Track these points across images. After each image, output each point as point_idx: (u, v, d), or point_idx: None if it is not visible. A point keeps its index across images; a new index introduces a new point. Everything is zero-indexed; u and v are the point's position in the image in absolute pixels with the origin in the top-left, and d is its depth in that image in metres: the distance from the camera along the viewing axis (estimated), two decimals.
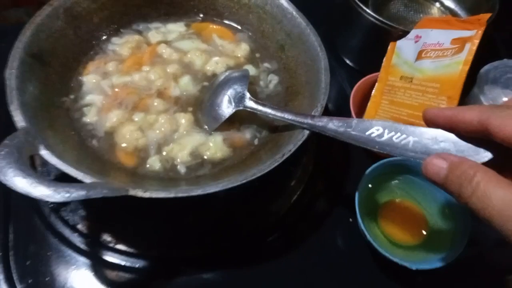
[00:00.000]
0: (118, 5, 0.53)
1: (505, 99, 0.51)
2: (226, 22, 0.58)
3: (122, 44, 0.53)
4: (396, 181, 0.50)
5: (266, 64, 0.55)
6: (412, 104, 0.49)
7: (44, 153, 0.37)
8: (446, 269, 0.42)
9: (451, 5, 0.68)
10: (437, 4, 0.68)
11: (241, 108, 0.46)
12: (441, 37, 0.49)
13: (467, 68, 0.45)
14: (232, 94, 0.47)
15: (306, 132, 0.42)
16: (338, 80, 0.64)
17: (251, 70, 0.53)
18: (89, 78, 0.50)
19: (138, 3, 0.55)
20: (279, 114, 0.43)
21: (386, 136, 0.37)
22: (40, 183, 0.32)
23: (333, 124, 0.40)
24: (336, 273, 0.48)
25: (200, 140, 0.47)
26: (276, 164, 0.40)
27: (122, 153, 0.45)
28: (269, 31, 0.55)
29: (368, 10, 0.56)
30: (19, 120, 0.38)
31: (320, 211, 0.52)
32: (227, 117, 0.46)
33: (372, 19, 0.56)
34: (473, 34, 0.46)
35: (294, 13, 0.52)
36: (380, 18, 0.55)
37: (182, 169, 0.45)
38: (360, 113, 0.55)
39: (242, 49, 0.55)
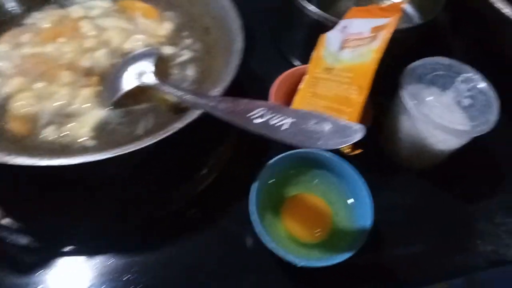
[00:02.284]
0: None
1: (429, 98, 0.48)
2: (159, 2, 0.57)
3: (43, 18, 0.52)
4: (303, 174, 0.48)
5: (189, 45, 0.53)
6: (328, 96, 0.47)
7: None
8: (344, 268, 0.40)
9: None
10: (389, 1, 0.66)
11: (141, 84, 0.44)
12: (362, 26, 0.47)
13: (378, 56, 0.42)
14: (136, 69, 0.45)
15: (197, 112, 0.40)
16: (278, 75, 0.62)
17: (170, 49, 0.52)
18: (0, 47, 0.49)
19: None
20: (176, 92, 0.42)
21: (264, 118, 0.35)
22: None
23: (223, 105, 0.38)
24: (232, 266, 0.45)
25: (100, 114, 0.45)
26: (156, 140, 0.38)
27: (14, 121, 0.44)
28: (197, 13, 0.54)
29: (307, 5, 0.54)
30: None
31: (230, 201, 0.49)
32: (125, 91, 0.44)
33: (308, 12, 0.54)
34: (388, 22, 0.43)
35: None
36: (313, 10, 0.53)
37: (75, 141, 0.44)
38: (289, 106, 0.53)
39: (165, 28, 0.53)
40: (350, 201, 0.45)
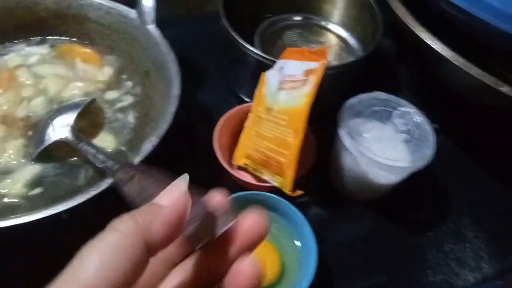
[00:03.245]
0: None
1: (367, 133, 0.49)
2: (99, 47, 0.56)
3: None
4: None
5: (129, 89, 0.53)
6: (269, 136, 0.47)
7: None
8: None
9: (344, 34, 0.66)
10: (331, 34, 0.67)
11: (58, 139, 0.44)
12: (296, 69, 0.47)
13: (309, 100, 0.43)
14: (61, 122, 0.45)
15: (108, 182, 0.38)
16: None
17: (111, 95, 0.51)
18: None
19: (4, 29, 0.53)
20: (90, 152, 0.41)
21: None
22: None
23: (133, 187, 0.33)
24: None
25: (34, 169, 0.44)
26: (81, 200, 0.37)
27: None
28: (138, 57, 0.54)
29: (242, 41, 0.54)
30: None
31: None
32: (43, 147, 0.44)
33: (247, 50, 0.54)
34: (317, 66, 0.44)
35: (158, 40, 0.50)
36: (251, 48, 0.53)
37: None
38: (234, 145, 0.53)
39: (105, 73, 0.53)
40: (298, 243, 0.45)
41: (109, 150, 0.47)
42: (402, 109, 0.49)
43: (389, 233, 0.52)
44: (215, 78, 0.66)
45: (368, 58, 0.56)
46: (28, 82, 0.51)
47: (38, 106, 0.49)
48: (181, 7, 0.79)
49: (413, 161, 0.47)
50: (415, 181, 0.49)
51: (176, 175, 0.24)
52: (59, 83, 0.51)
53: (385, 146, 0.49)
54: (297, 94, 0.44)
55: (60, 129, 0.44)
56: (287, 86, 0.47)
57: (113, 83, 0.53)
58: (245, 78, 0.61)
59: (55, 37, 0.56)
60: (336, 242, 0.50)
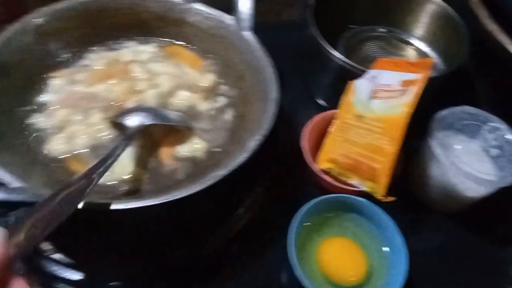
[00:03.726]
0: (88, 27, 0.56)
1: (457, 146, 0.50)
2: (194, 48, 0.60)
3: (96, 60, 0.56)
4: (338, 219, 0.49)
5: (224, 92, 0.56)
6: (360, 143, 0.49)
7: None
8: None
9: (425, 48, 0.68)
10: (412, 47, 0.68)
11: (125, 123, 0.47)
12: (392, 79, 0.49)
13: (410, 110, 0.45)
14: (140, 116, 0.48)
15: (239, 161, 0.42)
16: (309, 116, 0.65)
17: (206, 105, 0.54)
18: (55, 81, 0.53)
19: (109, 26, 0.57)
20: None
21: None
22: None
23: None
24: None
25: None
26: (202, 187, 0.40)
27: (70, 160, 0.47)
28: (233, 60, 0.57)
29: (332, 50, 0.56)
30: None
31: (266, 241, 0.51)
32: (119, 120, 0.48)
33: (336, 59, 0.56)
34: (418, 77, 0.46)
35: (255, 45, 0.54)
36: (342, 58, 0.55)
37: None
38: (317, 149, 0.55)
39: (207, 80, 0.56)
40: (385, 248, 0.47)
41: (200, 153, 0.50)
42: (492, 124, 0.50)
43: (472, 246, 0.52)
44: (293, 83, 0.68)
45: (453, 73, 0.56)
46: (143, 76, 0.55)
47: (149, 98, 0.53)
48: (258, 16, 0.83)
49: (503, 176, 0.47)
50: (501, 196, 0.49)
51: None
52: (171, 80, 0.55)
53: (474, 159, 0.50)
54: (396, 104, 0.46)
55: (136, 119, 0.48)
56: (382, 95, 0.49)
57: (213, 89, 0.56)
58: (326, 84, 0.63)
59: (154, 38, 0.60)
60: (417, 250, 0.51)
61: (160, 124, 0.49)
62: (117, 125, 0.49)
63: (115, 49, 0.58)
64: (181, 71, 0.57)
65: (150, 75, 0.55)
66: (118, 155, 0.42)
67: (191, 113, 0.53)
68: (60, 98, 0.52)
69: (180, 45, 0.60)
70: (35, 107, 0.51)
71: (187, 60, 0.58)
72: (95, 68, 0.55)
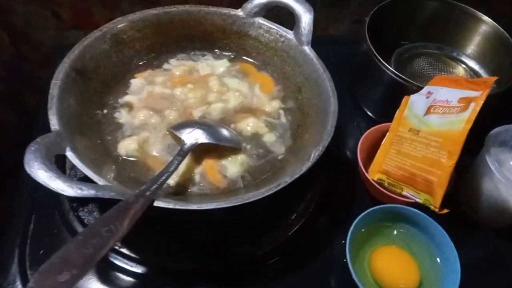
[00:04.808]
0: (159, 37, 0.60)
1: (511, 163, 0.52)
2: (253, 61, 0.63)
3: (177, 66, 0.61)
4: (391, 228, 0.51)
5: (283, 102, 0.59)
6: (416, 156, 0.51)
7: (69, 154, 0.43)
8: None
9: (475, 66, 0.69)
10: (462, 65, 0.70)
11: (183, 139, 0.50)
12: (449, 95, 0.51)
13: (469, 126, 0.46)
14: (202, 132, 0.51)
15: (306, 167, 0.45)
16: (355, 127, 0.67)
17: (268, 134, 0.56)
18: (137, 81, 0.58)
19: (176, 36, 0.61)
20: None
21: None
22: (58, 178, 0.38)
23: None
24: None
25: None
26: (270, 192, 0.43)
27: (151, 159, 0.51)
28: (290, 73, 0.60)
29: (387, 65, 0.59)
30: (53, 123, 0.44)
31: (317, 247, 0.53)
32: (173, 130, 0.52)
33: (391, 74, 0.59)
34: (478, 95, 0.48)
35: (314, 59, 0.56)
36: (397, 73, 0.57)
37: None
38: (369, 160, 0.57)
39: (273, 106, 0.58)
40: (437, 259, 0.48)
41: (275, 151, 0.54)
42: None
43: None
44: (343, 96, 0.70)
45: (506, 92, 0.58)
46: (215, 89, 0.59)
47: (215, 111, 0.56)
48: None
49: None
50: None
51: None
52: (239, 98, 0.58)
53: None
54: (455, 119, 0.48)
55: (192, 136, 0.50)
56: (439, 111, 0.50)
57: (275, 112, 0.59)
58: (377, 98, 0.65)
59: (217, 49, 0.64)
60: (466, 263, 0.52)
61: (214, 143, 0.51)
62: (176, 136, 0.52)
63: (193, 60, 0.63)
64: (251, 92, 0.60)
65: (223, 88, 0.59)
66: (172, 171, 0.45)
67: (252, 136, 0.55)
68: (141, 98, 0.57)
69: (247, 61, 0.64)
70: (117, 106, 0.56)
71: (261, 82, 0.61)
72: (175, 73, 0.60)
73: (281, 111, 0.58)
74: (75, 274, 0.32)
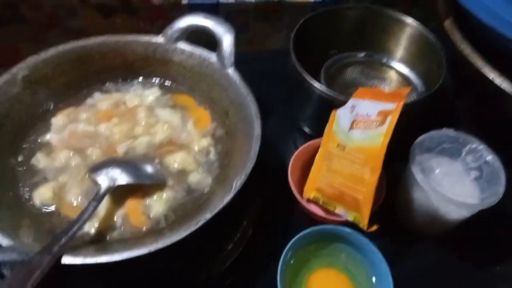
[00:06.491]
0: (77, 72, 0.58)
1: (438, 169, 0.51)
2: (180, 87, 0.62)
3: (102, 100, 0.58)
4: (328, 249, 0.50)
5: (211, 130, 0.58)
6: (343, 173, 0.50)
7: None
8: None
9: (405, 71, 0.69)
10: (393, 70, 0.70)
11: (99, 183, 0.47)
12: (370, 108, 0.50)
13: (387, 140, 0.46)
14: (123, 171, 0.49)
15: (227, 199, 0.44)
16: (292, 144, 0.67)
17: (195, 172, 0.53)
18: (58, 120, 0.56)
19: (96, 70, 0.59)
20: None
21: None
22: None
23: None
24: None
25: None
26: (189, 231, 0.41)
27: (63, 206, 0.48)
28: (217, 97, 0.58)
29: (312, 79, 0.58)
30: None
31: (254, 276, 0.52)
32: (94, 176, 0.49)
33: (318, 88, 0.57)
34: (393, 108, 0.47)
35: (237, 82, 0.55)
36: (322, 87, 0.57)
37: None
38: (304, 178, 0.56)
39: (201, 144, 0.55)
40: (373, 279, 0.48)
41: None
42: (471, 146, 0.51)
43: (457, 267, 0.54)
44: (279, 112, 0.70)
45: (433, 95, 0.58)
46: (143, 121, 0.57)
47: (140, 145, 0.54)
48: (243, 46, 0.85)
49: (484, 198, 0.48)
50: (484, 216, 0.50)
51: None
52: (167, 131, 0.56)
53: (455, 182, 0.51)
54: (374, 134, 0.47)
55: (107, 178, 0.47)
56: (361, 126, 0.50)
57: (203, 150, 0.56)
58: (310, 113, 0.65)
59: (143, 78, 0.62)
60: (403, 276, 0.51)
61: (134, 183, 0.48)
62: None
63: (120, 91, 0.60)
64: (183, 126, 0.57)
65: (152, 120, 0.57)
66: (86, 220, 0.43)
67: (178, 172, 0.53)
68: (61, 138, 0.54)
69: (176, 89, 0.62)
70: (34, 150, 0.53)
71: (197, 117, 0.59)
72: (100, 108, 0.58)
73: (211, 148, 0.56)
74: None
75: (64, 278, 0.44)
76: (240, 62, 0.74)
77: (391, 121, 0.46)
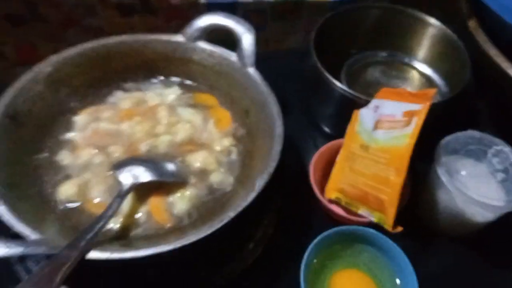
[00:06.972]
0: (98, 71, 0.58)
1: (463, 171, 0.51)
2: (200, 86, 0.61)
3: (123, 99, 0.58)
4: (351, 249, 0.50)
5: (232, 129, 0.57)
6: (367, 173, 0.49)
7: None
8: None
9: (428, 71, 0.69)
10: (415, 70, 0.69)
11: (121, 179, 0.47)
12: (394, 109, 0.50)
13: (413, 141, 0.45)
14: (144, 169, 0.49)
15: (250, 198, 0.43)
16: (312, 144, 0.66)
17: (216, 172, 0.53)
18: (81, 118, 0.56)
19: (117, 68, 0.59)
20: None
21: None
22: None
23: None
24: None
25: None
26: (212, 230, 0.41)
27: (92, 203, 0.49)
28: (237, 96, 0.58)
29: (334, 79, 0.57)
30: None
31: (276, 275, 0.52)
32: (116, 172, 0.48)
33: (339, 88, 0.57)
34: (420, 108, 0.46)
35: (259, 81, 0.55)
36: (345, 87, 0.56)
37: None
38: (325, 178, 0.56)
39: (222, 144, 0.55)
40: (397, 279, 0.47)
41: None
42: (497, 147, 0.50)
43: (481, 269, 0.53)
44: (299, 112, 0.69)
45: (458, 96, 0.57)
46: (164, 120, 0.57)
47: (162, 144, 0.54)
48: (260, 45, 0.84)
49: (510, 201, 0.47)
50: (509, 219, 0.49)
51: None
52: (189, 130, 0.56)
53: (481, 184, 0.50)
54: (399, 134, 0.47)
55: (130, 175, 0.47)
56: (385, 126, 0.49)
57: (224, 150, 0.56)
58: (331, 113, 0.64)
59: (162, 77, 0.62)
60: (428, 277, 0.50)
61: (157, 180, 0.48)
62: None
63: (141, 90, 0.60)
64: (204, 126, 0.57)
65: (173, 119, 0.57)
66: (110, 216, 0.43)
67: (200, 171, 0.53)
68: (85, 136, 0.54)
69: (187, 86, 0.62)
70: (59, 147, 0.53)
71: (218, 117, 0.58)
72: (122, 107, 0.58)
73: (233, 148, 0.55)
74: None
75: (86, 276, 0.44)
76: (258, 61, 0.75)
77: (417, 122, 0.46)
